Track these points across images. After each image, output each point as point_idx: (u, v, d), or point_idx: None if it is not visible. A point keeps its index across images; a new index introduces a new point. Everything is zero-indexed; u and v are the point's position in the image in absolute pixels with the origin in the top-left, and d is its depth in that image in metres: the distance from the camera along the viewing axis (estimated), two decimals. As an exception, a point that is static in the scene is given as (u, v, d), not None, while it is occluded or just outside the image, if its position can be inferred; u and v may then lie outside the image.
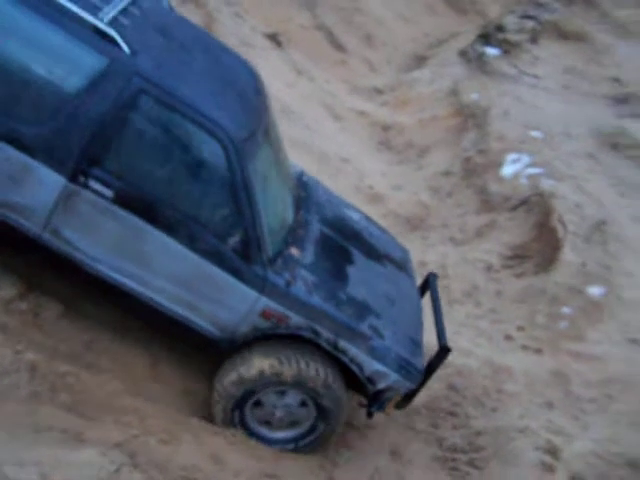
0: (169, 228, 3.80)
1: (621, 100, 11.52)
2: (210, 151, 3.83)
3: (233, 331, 4.06)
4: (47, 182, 3.68)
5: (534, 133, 9.31)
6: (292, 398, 4.24)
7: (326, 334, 4.08)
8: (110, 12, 3.75)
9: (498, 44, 12.19)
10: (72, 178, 3.68)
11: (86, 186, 3.70)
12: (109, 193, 3.72)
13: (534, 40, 12.66)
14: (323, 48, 11.08)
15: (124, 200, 3.74)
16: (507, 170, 8.33)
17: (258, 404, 4.26)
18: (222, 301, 3.98)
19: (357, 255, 4.76)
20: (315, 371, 4.10)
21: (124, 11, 3.87)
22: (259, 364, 4.07)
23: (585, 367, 5.98)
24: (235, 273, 3.91)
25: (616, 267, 7.00)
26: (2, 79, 3.59)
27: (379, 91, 10.74)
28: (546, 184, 7.90)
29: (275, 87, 7.32)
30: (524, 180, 8.08)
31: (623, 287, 6.81)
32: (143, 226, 3.78)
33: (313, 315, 4.06)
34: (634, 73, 12.30)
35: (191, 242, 3.84)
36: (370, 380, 4.22)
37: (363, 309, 4.32)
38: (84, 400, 3.84)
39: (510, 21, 12.88)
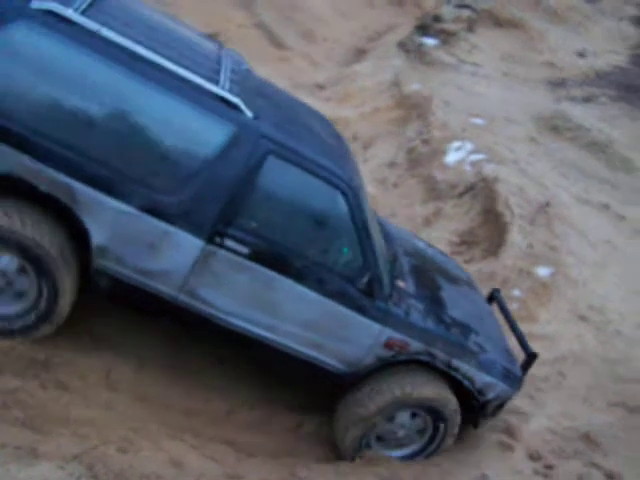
0: (299, 276, 4.03)
1: (557, 84, 11.79)
2: (333, 201, 4.06)
3: (357, 364, 4.32)
4: (186, 246, 3.85)
5: (476, 120, 9.45)
6: (406, 417, 4.53)
7: (441, 355, 4.39)
8: (227, 80, 4.01)
9: (436, 34, 12.36)
10: (209, 240, 3.87)
11: (222, 246, 3.89)
12: (244, 250, 3.92)
13: (471, 29, 12.87)
14: (263, 46, 11.07)
15: (258, 255, 3.94)
16: (451, 158, 8.44)
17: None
18: (348, 337, 4.23)
19: (441, 280, 5.15)
20: (437, 391, 4.40)
21: (231, 78, 4.12)
22: (396, 391, 4.34)
23: (537, 346, 6.07)
24: (361, 310, 4.17)
25: (562, 247, 7.16)
26: (139, 154, 3.75)
27: (321, 86, 10.77)
28: (489, 169, 8.03)
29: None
30: (468, 167, 8.20)
31: (569, 266, 6.97)
32: (275, 277, 4.00)
33: (429, 339, 4.37)
34: (567, 58, 12.60)
35: (320, 286, 4.07)
36: (480, 392, 4.56)
37: (465, 328, 4.68)
38: (38, 414, 3.76)
39: (446, 11, 13.08)
